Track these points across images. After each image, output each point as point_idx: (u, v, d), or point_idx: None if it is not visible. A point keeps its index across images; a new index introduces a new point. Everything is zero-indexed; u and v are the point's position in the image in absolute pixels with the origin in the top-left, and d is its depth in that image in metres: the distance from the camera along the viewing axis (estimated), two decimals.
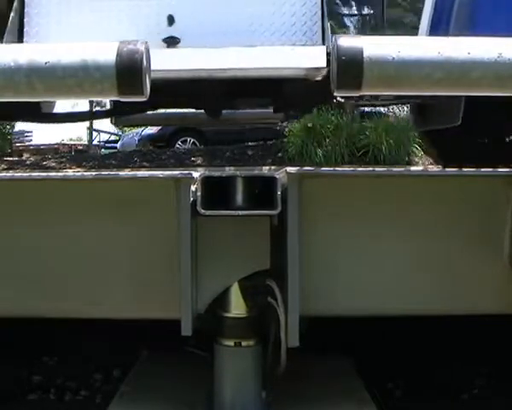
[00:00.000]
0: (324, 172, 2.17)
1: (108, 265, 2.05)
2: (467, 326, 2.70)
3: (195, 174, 1.95)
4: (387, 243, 2.05)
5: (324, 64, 2.56)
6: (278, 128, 12.01)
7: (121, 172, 1.97)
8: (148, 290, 2.04)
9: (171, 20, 2.47)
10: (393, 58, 1.61)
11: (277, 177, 1.92)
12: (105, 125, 18.45)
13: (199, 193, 1.88)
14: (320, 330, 2.45)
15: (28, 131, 19.82)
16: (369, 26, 3.15)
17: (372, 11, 3.07)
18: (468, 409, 2.79)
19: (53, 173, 2.01)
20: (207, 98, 3.21)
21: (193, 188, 1.93)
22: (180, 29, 2.66)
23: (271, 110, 3.99)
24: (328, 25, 2.76)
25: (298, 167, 1.98)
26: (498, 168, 2.18)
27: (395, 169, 2.53)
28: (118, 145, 17.92)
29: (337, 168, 2.25)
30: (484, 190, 2.03)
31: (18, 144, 18.60)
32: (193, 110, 4.14)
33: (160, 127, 14.98)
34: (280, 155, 12.06)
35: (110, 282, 2.06)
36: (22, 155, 15.18)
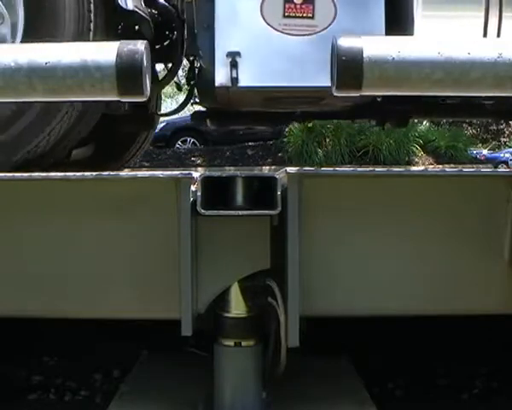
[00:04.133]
0: (324, 172, 2.17)
1: (108, 265, 2.05)
2: (467, 326, 2.70)
3: (195, 174, 1.95)
4: (387, 242, 2.05)
5: None
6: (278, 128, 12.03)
7: (121, 172, 1.97)
8: (148, 290, 2.04)
9: None
10: (393, 58, 1.62)
11: (277, 177, 1.92)
12: None
13: (199, 193, 1.88)
14: (320, 330, 2.45)
15: None
16: None
17: None
18: (468, 409, 2.79)
19: (53, 173, 2.01)
20: None
21: (193, 188, 1.93)
22: None
23: None
24: None
25: (298, 167, 1.98)
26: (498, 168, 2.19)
27: (395, 169, 2.52)
28: None
29: (337, 168, 2.24)
30: (484, 190, 2.03)
31: None
32: None
33: (159, 127, 14.99)
34: (280, 155, 12.07)
35: (110, 282, 2.06)
36: None
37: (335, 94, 1.71)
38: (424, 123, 12.69)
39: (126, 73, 1.63)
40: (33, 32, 2.48)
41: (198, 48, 2.87)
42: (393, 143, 11.40)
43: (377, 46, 1.64)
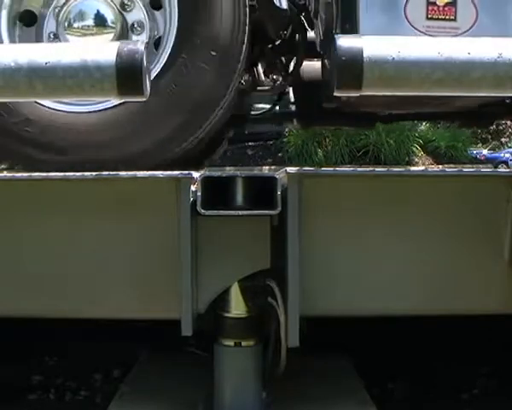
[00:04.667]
0: (324, 172, 2.17)
1: (108, 265, 2.05)
2: (467, 326, 2.70)
3: (195, 174, 1.95)
4: (387, 242, 2.05)
5: None
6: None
7: (121, 172, 1.97)
8: (148, 290, 2.04)
9: None
10: (393, 58, 1.62)
11: (277, 177, 1.92)
12: None
13: (199, 193, 1.88)
14: (320, 330, 2.45)
15: None
16: None
17: None
18: (468, 409, 2.79)
19: (53, 173, 2.01)
20: None
21: (193, 188, 1.93)
22: None
23: None
24: None
25: (298, 167, 1.97)
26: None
27: (395, 169, 2.53)
28: None
29: (337, 168, 2.24)
30: (484, 190, 2.03)
31: None
32: None
33: None
34: (280, 155, 12.07)
35: (110, 282, 2.06)
36: None
37: (335, 94, 1.71)
38: (424, 123, 12.68)
39: (126, 73, 1.62)
40: (187, 34, 2.52)
41: None
42: (393, 143, 11.40)
43: (377, 46, 1.64)
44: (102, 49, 1.66)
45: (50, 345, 3.22)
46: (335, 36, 1.69)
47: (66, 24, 2.51)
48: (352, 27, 2.67)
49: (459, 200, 2.04)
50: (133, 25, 2.59)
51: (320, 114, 3.49)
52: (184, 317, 1.95)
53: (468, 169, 2.23)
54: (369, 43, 1.64)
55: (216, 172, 2.04)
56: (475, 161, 13.52)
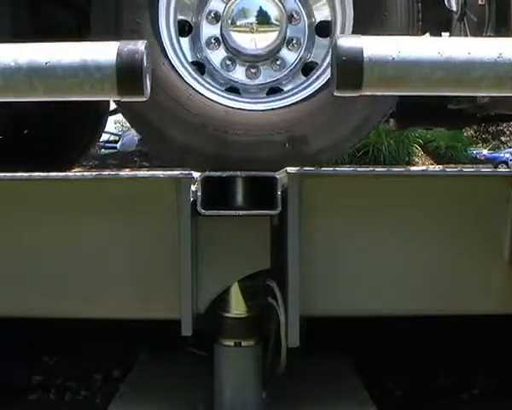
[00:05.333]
0: (324, 172, 2.17)
1: (108, 265, 2.05)
2: (467, 326, 2.70)
3: (195, 174, 1.95)
4: (387, 242, 2.05)
5: None
6: None
7: (121, 172, 1.97)
8: (148, 290, 2.04)
9: None
10: (393, 58, 1.62)
11: (277, 177, 1.92)
12: None
13: (199, 193, 1.89)
14: (320, 330, 2.45)
15: None
16: None
17: None
18: (468, 409, 2.79)
19: (53, 173, 2.01)
20: None
21: (193, 188, 1.93)
22: None
23: None
24: None
25: (298, 167, 1.98)
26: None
27: (395, 169, 2.53)
28: (118, 145, 17.84)
29: (337, 168, 2.24)
30: (484, 190, 2.03)
31: None
32: None
33: None
34: None
35: (110, 282, 2.06)
36: None
37: (335, 94, 1.71)
38: None
39: (126, 73, 1.62)
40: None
41: None
42: (393, 143, 11.39)
43: (377, 46, 1.64)
44: (102, 49, 1.66)
45: (50, 345, 3.22)
46: (336, 36, 1.69)
47: (229, 21, 2.44)
48: (507, 30, 2.64)
49: (459, 200, 2.04)
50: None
51: (418, 114, 3.50)
52: (184, 317, 1.95)
53: (468, 169, 2.23)
54: (369, 43, 1.64)
55: (216, 172, 2.03)
56: (475, 161, 13.52)
